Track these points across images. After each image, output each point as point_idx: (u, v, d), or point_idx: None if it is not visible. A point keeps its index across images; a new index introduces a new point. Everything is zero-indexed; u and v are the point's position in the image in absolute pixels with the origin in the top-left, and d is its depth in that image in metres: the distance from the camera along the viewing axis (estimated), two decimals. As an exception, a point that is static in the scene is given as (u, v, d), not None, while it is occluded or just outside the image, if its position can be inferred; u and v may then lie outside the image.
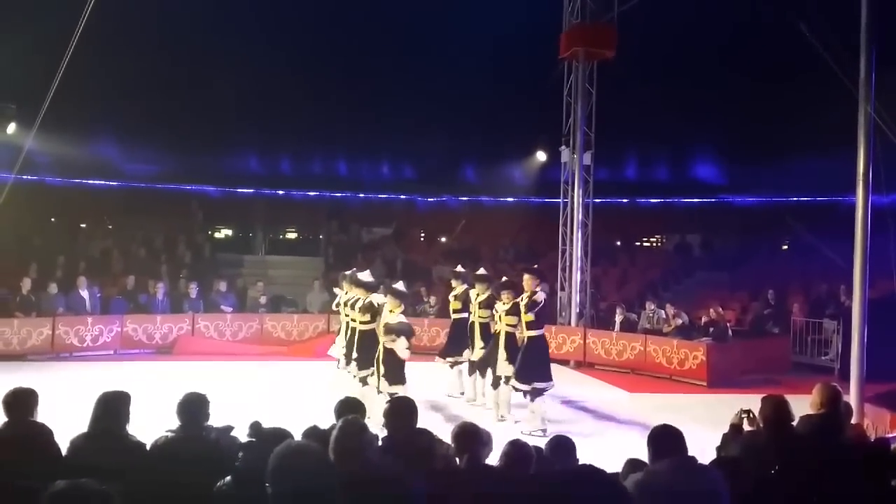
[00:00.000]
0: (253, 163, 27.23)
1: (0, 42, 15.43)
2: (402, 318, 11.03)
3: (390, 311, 11.09)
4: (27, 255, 19.31)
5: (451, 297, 13.92)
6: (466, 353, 12.93)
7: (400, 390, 10.63)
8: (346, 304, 12.36)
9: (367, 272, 12.76)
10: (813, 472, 4.78)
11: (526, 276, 11.57)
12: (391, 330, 10.72)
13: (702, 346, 15.79)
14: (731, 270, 22.76)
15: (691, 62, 21.43)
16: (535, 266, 12.28)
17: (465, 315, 13.19)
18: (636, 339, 16.75)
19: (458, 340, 13.33)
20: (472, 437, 4.75)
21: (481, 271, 13.23)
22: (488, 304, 12.40)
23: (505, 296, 11.73)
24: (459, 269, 14.41)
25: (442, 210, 28.21)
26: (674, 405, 13.21)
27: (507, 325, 11.63)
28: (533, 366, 11.10)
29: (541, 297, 11.18)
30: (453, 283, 13.98)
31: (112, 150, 23.68)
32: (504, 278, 12.93)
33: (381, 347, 10.93)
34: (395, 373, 10.83)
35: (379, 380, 10.87)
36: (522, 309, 11.27)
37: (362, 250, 24.69)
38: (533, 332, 11.23)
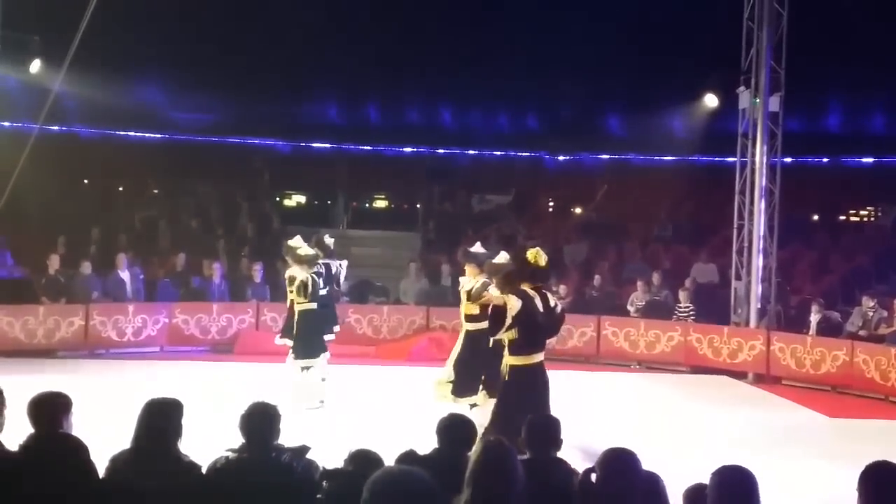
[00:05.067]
0: (332, 111, 27.58)
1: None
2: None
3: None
4: (54, 227, 20.14)
5: (463, 294, 11.53)
6: None
7: (312, 363, 12.66)
8: None
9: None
10: None
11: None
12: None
13: (932, 357, 15.28)
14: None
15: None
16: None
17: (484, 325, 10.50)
18: (839, 345, 16.29)
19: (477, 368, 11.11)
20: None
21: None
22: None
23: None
24: (479, 248, 12.04)
25: (577, 172, 28.05)
26: (892, 436, 12.79)
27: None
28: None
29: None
30: (468, 270, 11.58)
31: (158, 94, 24.36)
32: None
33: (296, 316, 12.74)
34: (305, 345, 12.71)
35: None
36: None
37: (473, 223, 24.73)
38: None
